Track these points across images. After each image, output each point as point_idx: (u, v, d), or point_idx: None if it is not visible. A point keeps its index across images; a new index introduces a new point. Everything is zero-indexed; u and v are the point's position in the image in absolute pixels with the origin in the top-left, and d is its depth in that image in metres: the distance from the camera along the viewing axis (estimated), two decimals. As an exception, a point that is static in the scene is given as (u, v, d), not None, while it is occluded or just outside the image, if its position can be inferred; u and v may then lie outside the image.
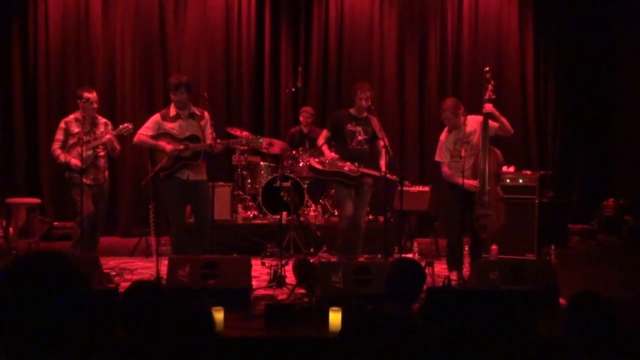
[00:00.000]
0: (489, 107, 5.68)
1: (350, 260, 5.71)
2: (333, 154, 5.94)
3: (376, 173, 5.85)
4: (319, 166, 6.01)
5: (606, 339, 2.33)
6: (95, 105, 6.17)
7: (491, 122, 5.72)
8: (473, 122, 5.81)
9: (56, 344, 1.36)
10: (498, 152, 5.76)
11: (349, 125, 5.97)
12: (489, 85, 5.71)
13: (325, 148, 6.03)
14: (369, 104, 5.92)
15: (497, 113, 5.74)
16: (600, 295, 2.48)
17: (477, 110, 5.85)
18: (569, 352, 2.38)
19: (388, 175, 5.72)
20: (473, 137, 5.76)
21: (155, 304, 2.33)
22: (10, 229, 7.12)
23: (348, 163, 5.86)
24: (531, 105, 9.45)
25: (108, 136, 6.11)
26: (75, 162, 6.01)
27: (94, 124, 6.21)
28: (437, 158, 5.98)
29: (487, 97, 5.70)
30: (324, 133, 6.17)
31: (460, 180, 5.57)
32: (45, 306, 1.35)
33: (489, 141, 5.69)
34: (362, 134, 5.96)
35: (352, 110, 6.05)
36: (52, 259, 1.42)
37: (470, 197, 5.64)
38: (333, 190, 7.53)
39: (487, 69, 5.87)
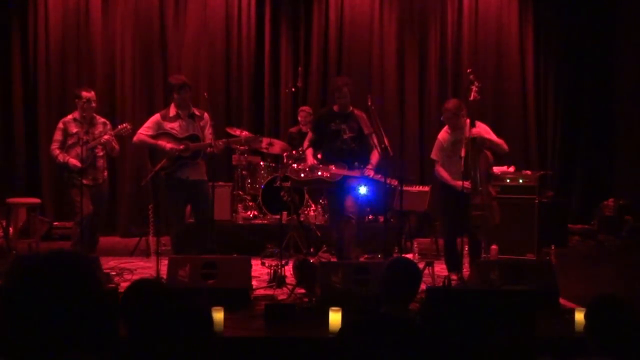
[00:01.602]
0: (475, 132, 5.60)
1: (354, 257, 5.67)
2: (313, 161, 5.68)
3: (357, 173, 5.53)
4: (295, 175, 5.72)
5: (627, 342, 2.31)
6: (93, 105, 6.16)
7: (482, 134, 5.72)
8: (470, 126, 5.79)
9: (66, 345, 1.37)
10: (488, 153, 5.74)
11: (332, 124, 5.68)
12: (473, 87, 5.68)
13: (309, 152, 5.79)
14: (347, 99, 5.66)
15: (488, 136, 5.71)
16: (619, 298, 2.45)
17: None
18: (590, 356, 2.37)
19: (370, 174, 5.48)
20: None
21: (157, 303, 2.33)
22: (10, 229, 7.11)
23: (332, 166, 5.57)
24: (531, 105, 9.45)
25: (107, 137, 6.10)
26: (74, 162, 6.01)
27: (93, 124, 6.19)
28: (432, 156, 5.99)
29: (472, 98, 5.67)
30: (308, 135, 5.97)
31: (451, 182, 5.63)
32: (60, 307, 1.36)
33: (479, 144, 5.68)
34: (347, 132, 5.64)
35: (335, 108, 5.77)
36: (68, 260, 1.43)
37: (464, 198, 5.63)
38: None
39: (470, 70, 5.85)
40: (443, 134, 5.92)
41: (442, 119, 5.94)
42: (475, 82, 5.69)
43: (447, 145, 5.83)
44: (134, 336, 2.26)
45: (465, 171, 5.60)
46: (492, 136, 5.79)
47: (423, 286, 4.25)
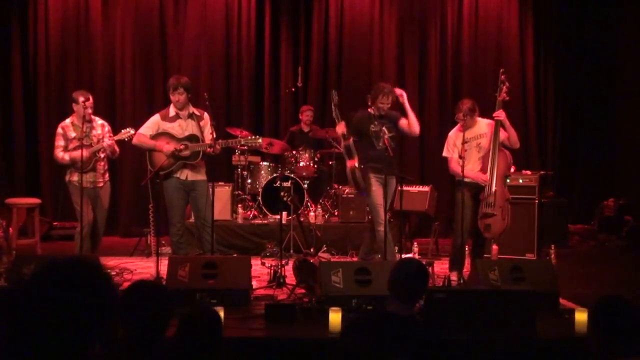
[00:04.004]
0: (502, 115, 5.62)
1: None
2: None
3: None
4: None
5: (631, 342, 2.29)
6: (89, 110, 6.05)
7: (501, 130, 5.67)
8: (483, 125, 5.78)
9: (81, 348, 1.40)
10: (508, 153, 5.71)
11: (372, 125, 5.73)
12: (504, 87, 5.66)
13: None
14: (389, 105, 5.81)
15: (507, 123, 5.67)
16: (624, 299, 2.44)
17: (480, 110, 5.84)
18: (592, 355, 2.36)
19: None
20: (482, 140, 5.72)
21: (157, 304, 2.33)
22: (10, 229, 7.11)
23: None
24: (531, 105, 9.45)
25: (109, 142, 6.07)
26: (76, 154, 5.90)
27: (91, 127, 6.15)
28: (444, 154, 5.88)
29: (501, 98, 5.65)
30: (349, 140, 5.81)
31: (469, 174, 5.55)
32: (77, 311, 1.39)
33: (499, 144, 5.65)
34: (386, 132, 5.69)
35: (371, 110, 5.80)
36: (86, 266, 1.46)
37: (477, 196, 5.63)
38: (338, 191, 7.50)
39: (502, 70, 5.83)
40: (454, 132, 5.87)
41: (455, 117, 5.89)
42: (506, 83, 5.68)
43: (458, 143, 5.78)
44: (133, 337, 2.26)
45: (483, 168, 5.62)
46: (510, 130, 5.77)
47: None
